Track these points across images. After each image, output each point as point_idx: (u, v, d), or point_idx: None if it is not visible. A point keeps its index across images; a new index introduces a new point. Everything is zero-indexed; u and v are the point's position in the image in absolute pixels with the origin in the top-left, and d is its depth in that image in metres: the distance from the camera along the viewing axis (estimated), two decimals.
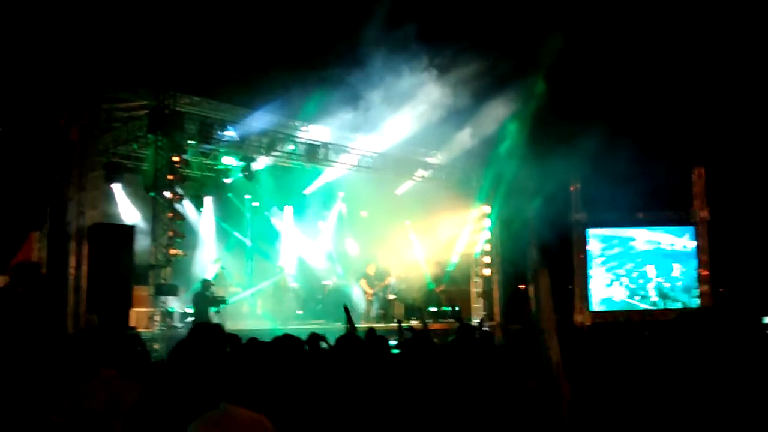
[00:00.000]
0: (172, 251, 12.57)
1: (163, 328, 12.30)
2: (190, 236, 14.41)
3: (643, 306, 20.52)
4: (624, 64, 19.49)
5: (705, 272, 21.05)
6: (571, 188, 20.59)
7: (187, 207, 14.40)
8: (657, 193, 20.94)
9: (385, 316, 16.40)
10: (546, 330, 3.56)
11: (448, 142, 17.56)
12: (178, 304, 13.45)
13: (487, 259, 18.56)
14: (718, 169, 21.47)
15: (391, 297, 16.93)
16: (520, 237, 19.67)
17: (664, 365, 3.20)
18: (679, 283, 21.04)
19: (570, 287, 21.11)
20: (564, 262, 21.39)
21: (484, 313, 18.28)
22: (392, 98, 15.54)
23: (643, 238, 21.20)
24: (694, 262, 21.09)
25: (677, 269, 21.13)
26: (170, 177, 12.58)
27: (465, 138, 17.40)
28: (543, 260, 20.36)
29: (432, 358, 5.22)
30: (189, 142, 13.33)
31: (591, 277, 20.93)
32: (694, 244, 21.07)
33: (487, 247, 18.55)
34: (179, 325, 13.19)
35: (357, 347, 4.70)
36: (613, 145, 17.81)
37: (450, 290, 18.21)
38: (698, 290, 21.17)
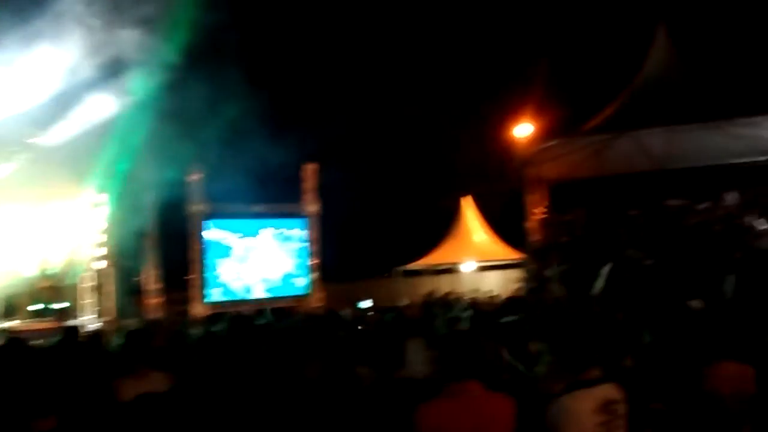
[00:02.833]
0: None
1: None
2: None
3: (252, 297, 22.01)
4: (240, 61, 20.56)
5: (314, 261, 23.53)
6: (191, 178, 21.17)
7: None
8: (276, 186, 22.80)
9: None
10: None
11: (60, 122, 16.61)
12: None
13: (101, 251, 18.07)
14: (329, 166, 24.16)
15: None
16: (138, 228, 19.60)
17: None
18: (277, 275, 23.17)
19: (189, 278, 21.71)
20: (185, 253, 21.89)
21: (98, 308, 17.80)
22: None
23: (257, 230, 22.82)
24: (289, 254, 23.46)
25: (280, 259, 23.26)
26: None
27: (79, 119, 16.67)
28: (160, 251, 20.64)
29: (28, 363, 5.13)
30: None
31: (211, 268, 21.78)
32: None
33: (102, 238, 18.05)
34: None
35: None
36: (235, 137, 18.82)
37: (58, 285, 17.29)
38: (307, 278, 23.55)
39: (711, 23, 25.61)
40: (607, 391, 3.31)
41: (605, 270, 7.77)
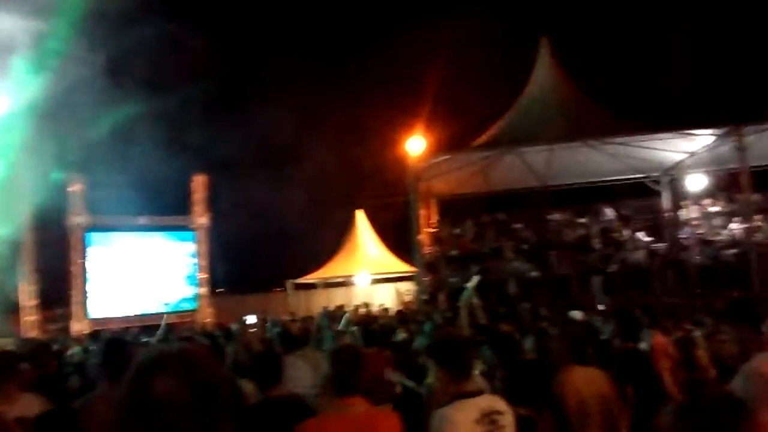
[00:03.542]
0: None
1: None
2: None
3: (138, 312, 21.17)
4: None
5: (204, 275, 23.00)
6: (73, 187, 20.20)
7: None
8: (164, 198, 22.11)
9: None
10: None
11: None
12: None
13: None
14: (220, 177, 23.72)
15: None
16: (14, 240, 18.51)
17: None
18: (171, 287, 22.49)
19: (69, 294, 20.66)
20: (65, 267, 20.85)
21: None
22: None
23: (142, 243, 22.04)
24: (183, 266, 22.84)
25: (168, 273, 22.56)
26: None
27: None
28: (38, 265, 19.57)
29: None
30: None
31: (93, 283, 20.84)
32: (184, 248, 22.73)
33: None
34: None
35: None
36: (121, 146, 18.15)
37: None
38: (196, 292, 22.97)
39: (593, 39, 27.15)
40: (490, 401, 3.42)
41: (472, 282, 8.01)
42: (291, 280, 24.92)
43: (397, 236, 24.99)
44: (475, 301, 7.76)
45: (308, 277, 25.30)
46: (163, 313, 21.34)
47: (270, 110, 24.44)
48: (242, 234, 24.96)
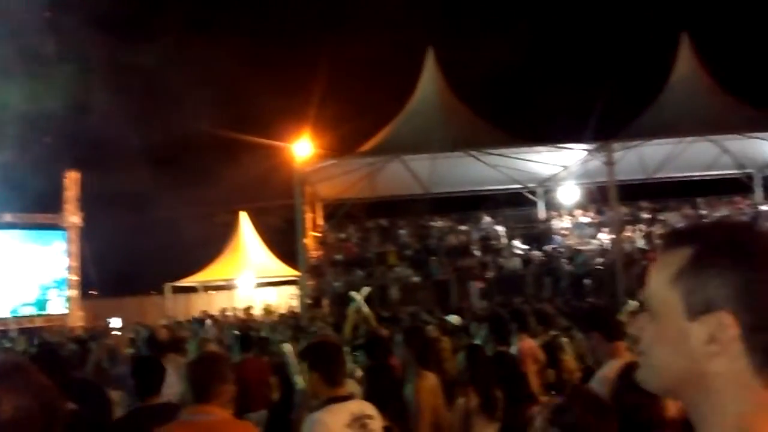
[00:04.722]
0: None
1: None
2: None
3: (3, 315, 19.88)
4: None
5: (75, 277, 21.92)
6: None
7: None
8: (32, 194, 20.81)
9: None
10: None
11: None
12: None
13: None
14: (94, 174, 22.64)
15: None
16: None
17: None
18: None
19: None
20: None
21: None
22: None
23: (5, 242, 20.74)
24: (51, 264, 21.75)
25: (35, 274, 21.38)
26: None
27: None
28: None
29: None
30: None
31: None
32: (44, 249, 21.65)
33: None
34: None
35: None
36: None
37: None
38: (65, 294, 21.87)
39: (477, 52, 28.04)
40: (361, 406, 3.45)
41: (362, 293, 8.07)
42: (169, 283, 24.08)
43: (281, 240, 24.76)
44: (366, 310, 7.81)
45: (188, 279, 24.56)
46: (29, 317, 20.18)
47: (153, 107, 23.63)
48: (118, 234, 23.88)
